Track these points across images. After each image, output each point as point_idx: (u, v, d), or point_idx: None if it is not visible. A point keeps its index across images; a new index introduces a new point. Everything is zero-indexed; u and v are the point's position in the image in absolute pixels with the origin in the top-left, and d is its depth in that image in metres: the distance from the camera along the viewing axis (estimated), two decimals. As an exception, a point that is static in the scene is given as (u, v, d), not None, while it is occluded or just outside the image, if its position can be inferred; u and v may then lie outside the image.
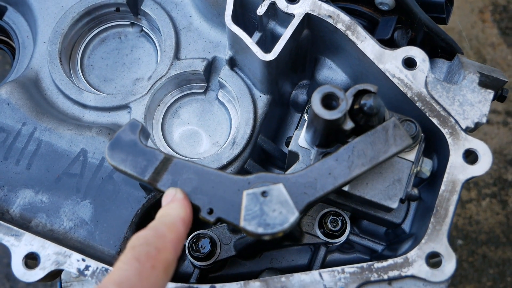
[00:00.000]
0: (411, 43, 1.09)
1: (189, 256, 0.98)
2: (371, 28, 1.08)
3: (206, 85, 1.15)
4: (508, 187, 2.36)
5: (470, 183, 2.36)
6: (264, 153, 1.12)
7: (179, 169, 0.84)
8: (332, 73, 1.08)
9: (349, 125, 0.84)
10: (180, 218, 0.75)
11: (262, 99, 1.09)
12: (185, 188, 0.83)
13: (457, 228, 2.32)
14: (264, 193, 0.77)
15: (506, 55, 2.48)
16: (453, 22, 2.50)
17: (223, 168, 1.04)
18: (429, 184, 1.00)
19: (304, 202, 0.82)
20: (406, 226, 1.02)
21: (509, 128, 2.42)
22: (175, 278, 1.11)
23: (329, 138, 0.89)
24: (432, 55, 1.12)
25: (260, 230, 0.75)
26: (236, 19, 1.01)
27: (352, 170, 0.83)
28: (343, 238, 0.99)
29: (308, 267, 1.10)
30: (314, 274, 0.86)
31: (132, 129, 0.85)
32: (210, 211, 0.81)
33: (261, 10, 0.98)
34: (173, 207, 0.76)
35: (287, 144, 1.05)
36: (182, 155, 1.12)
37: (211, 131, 1.14)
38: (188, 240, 0.98)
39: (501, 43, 2.50)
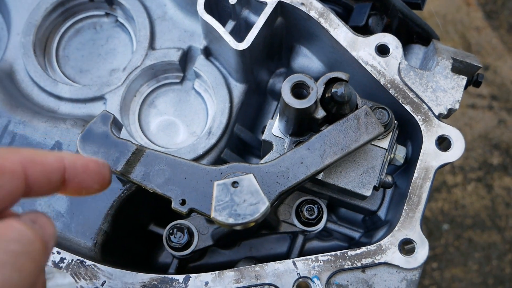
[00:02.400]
0: (386, 29, 1.09)
1: (166, 247, 0.98)
2: (346, 15, 1.08)
3: (182, 74, 1.14)
4: (493, 171, 2.37)
5: (455, 168, 2.37)
6: (241, 142, 1.12)
7: (151, 160, 0.83)
8: (307, 61, 1.08)
9: (320, 113, 0.84)
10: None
11: (238, 88, 1.08)
12: (157, 179, 0.83)
13: (443, 212, 2.33)
14: (234, 184, 0.77)
15: (491, 39, 2.48)
16: (438, 6, 2.49)
17: (200, 158, 1.04)
18: (404, 171, 1.01)
19: (276, 192, 0.82)
20: (381, 213, 1.02)
21: (494, 112, 2.42)
22: (154, 268, 1.12)
23: (301, 127, 0.88)
24: (409, 41, 1.11)
25: (230, 221, 0.75)
26: (209, 8, 1.00)
27: (324, 159, 0.83)
28: (319, 226, 1.00)
29: (286, 255, 1.10)
30: (288, 263, 0.86)
31: (104, 120, 0.84)
32: (183, 202, 0.82)
33: (233, -1, 0.97)
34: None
35: (263, 133, 1.05)
36: (159, 146, 1.11)
37: (188, 121, 1.13)
38: (165, 231, 0.98)
39: (486, 26, 2.50)
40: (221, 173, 0.83)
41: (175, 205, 0.81)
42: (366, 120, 0.83)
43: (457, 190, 2.36)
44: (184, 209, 0.81)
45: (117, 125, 0.86)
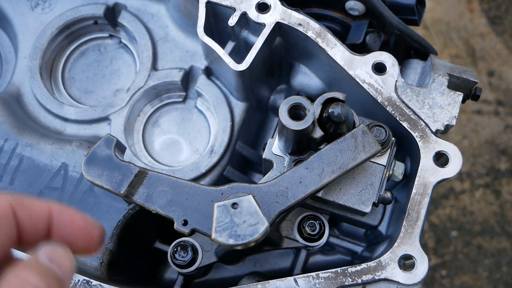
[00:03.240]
0: (384, 46, 1.10)
1: (171, 264, 1.00)
2: (344, 32, 1.09)
3: (184, 94, 1.17)
4: (501, 177, 2.37)
5: (462, 174, 2.37)
6: (243, 159, 1.14)
7: (153, 182, 0.86)
8: (306, 78, 1.10)
9: (318, 133, 0.86)
10: None
11: (239, 107, 1.10)
12: (160, 201, 0.85)
13: (451, 219, 2.33)
14: (234, 205, 0.78)
15: (495, 44, 2.48)
16: (440, 13, 2.50)
17: (202, 176, 1.06)
18: (404, 186, 1.02)
19: (276, 211, 0.84)
20: (382, 228, 1.03)
21: (500, 118, 2.42)
22: (160, 285, 1.14)
23: (300, 146, 0.90)
24: (407, 57, 1.13)
25: (231, 242, 0.76)
26: (209, 29, 1.03)
27: (323, 178, 0.84)
28: (322, 241, 1.01)
29: (290, 270, 1.12)
30: (289, 280, 0.88)
31: (107, 144, 0.87)
32: (185, 223, 0.84)
33: (232, 21, 0.99)
34: None
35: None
36: (163, 164, 1.14)
37: (191, 139, 1.16)
38: (170, 249, 1.00)
39: (490, 32, 2.50)
40: (222, 194, 0.85)
41: (177, 226, 0.83)
42: (363, 139, 0.85)
43: (465, 197, 2.36)
44: (186, 230, 0.83)
45: (120, 148, 0.89)
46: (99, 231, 0.59)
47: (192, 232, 0.84)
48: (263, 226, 0.77)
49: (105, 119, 1.11)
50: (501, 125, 2.41)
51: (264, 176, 1.00)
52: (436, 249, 2.28)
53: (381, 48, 1.09)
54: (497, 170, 2.38)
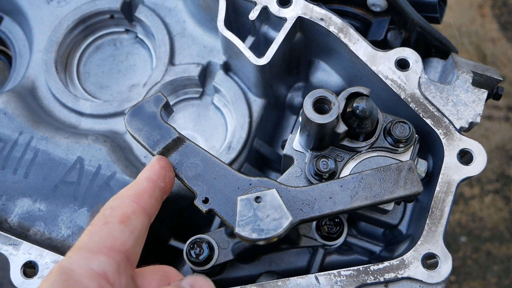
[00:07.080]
0: (405, 43, 1.09)
1: (187, 261, 0.99)
2: (365, 29, 1.08)
3: (201, 89, 1.15)
4: (510, 183, 2.35)
5: (472, 180, 2.35)
6: (260, 156, 1.13)
7: (188, 152, 0.84)
8: (326, 75, 1.08)
9: (342, 128, 0.84)
10: (145, 177, 0.76)
11: (257, 103, 1.09)
12: (188, 172, 0.83)
13: (461, 225, 2.31)
14: (257, 199, 0.77)
15: (506, 50, 2.47)
16: (452, 18, 2.49)
17: (220, 172, 1.04)
18: (425, 185, 1.00)
19: (297, 218, 0.81)
20: (403, 227, 1.02)
21: (510, 124, 2.41)
22: (175, 283, 1.12)
23: (323, 141, 0.89)
24: (427, 55, 1.11)
25: (254, 236, 0.75)
26: (229, 24, 1.02)
27: (353, 201, 0.81)
28: (340, 240, 0.99)
29: (306, 270, 1.10)
30: (310, 277, 0.86)
31: (156, 102, 0.85)
32: (205, 200, 0.82)
33: (253, 15, 0.98)
34: (143, 171, 0.77)
35: (283, 147, 1.06)
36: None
37: (207, 136, 1.14)
38: (186, 246, 0.98)
39: (501, 37, 2.49)
40: (250, 184, 0.83)
41: (197, 202, 0.82)
42: (408, 175, 0.81)
43: (474, 202, 2.34)
44: (204, 208, 0.81)
45: (168, 110, 0.87)
46: None
47: (209, 212, 0.82)
48: (287, 220, 0.76)
49: (121, 113, 1.09)
50: (511, 130, 2.40)
51: (282, 173, 0.99)
52: (445, 254, 2.26)
53: (402, 46, 1.08)
54: (507, 176, 2.36)
